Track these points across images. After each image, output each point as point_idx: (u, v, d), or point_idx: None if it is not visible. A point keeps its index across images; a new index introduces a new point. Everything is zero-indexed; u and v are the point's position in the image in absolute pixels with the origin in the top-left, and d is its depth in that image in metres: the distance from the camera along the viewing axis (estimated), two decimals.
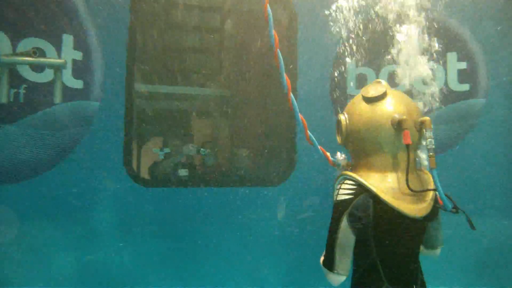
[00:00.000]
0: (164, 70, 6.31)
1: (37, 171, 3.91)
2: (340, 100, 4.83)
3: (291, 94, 2.38)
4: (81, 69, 4.08)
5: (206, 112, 6.63)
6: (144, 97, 5.73)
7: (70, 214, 4.04)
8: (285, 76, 2.33)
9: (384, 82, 2.32)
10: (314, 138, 2.44)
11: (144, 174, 4.89)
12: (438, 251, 2.41)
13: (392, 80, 4.76)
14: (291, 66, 4.71)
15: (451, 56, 4.74)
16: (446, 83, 4.71)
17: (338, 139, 2.36)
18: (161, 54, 6.25)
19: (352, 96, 4.85)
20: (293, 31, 4.84)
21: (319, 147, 2.44)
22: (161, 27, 6.02)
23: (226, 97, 6.45)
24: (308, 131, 2.42)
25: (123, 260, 4.32)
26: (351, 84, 4.74)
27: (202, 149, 4.78)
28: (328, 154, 2.45)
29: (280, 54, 2.31)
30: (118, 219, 4.28)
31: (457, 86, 4.69)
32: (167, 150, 4.81)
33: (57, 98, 3.40)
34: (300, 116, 2.41)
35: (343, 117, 2.29)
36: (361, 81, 4.87)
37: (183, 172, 4.92)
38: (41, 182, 3.92)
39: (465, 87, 4.68)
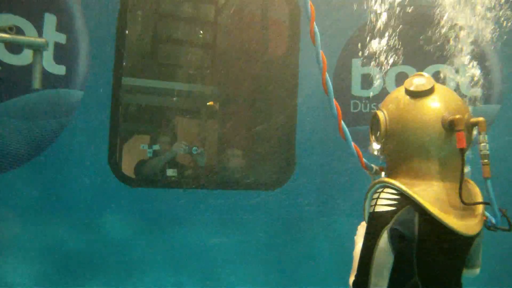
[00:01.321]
0: (153, 63, 5.91)
1: (10, 165, 3.46)
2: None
3: (327, 76, 2.01)
4: (64, 54, 3.69)
5: (198, 110, 6.23)
6: (132, 90, 5.30)
7: (45, 214, 3.61)
8: (321, 53, 1.96)
9: (427, 75, 1.97)
10: (348, 132, 2.07)
11: (130, 172, 4.47)
12: (477, 270, 2.08)
13: (400, 82, 4.54)
14: None
15: (463, 59, 4.46)
16: (457, 87, 4.43)
17: (373, 139, 2.00)
18: (151, 45, 5.84)
19: (356, 97, 4.57)
20: (295, 26, 4.52)
21: (352, 144, 2.07)
22: (152, 14, 5.62)
23: (218, 94, 6.07)
24: (342, 122, 2.05)
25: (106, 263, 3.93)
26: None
27: (194, 147, 4.37)
28: (361, 154, 2.09)
29: (316, 28, 1.94)
30: (99, 220, 3.88)
31: (468, 91, 4.41)
32: (156, 147, 4.40)
33: (36, 83, 2.96)
34: (335, 103, 2.03)
35: (381, 114, 1.93)
36: (366, 81, 4.57)
37: (171, 172, 4.52)
38: (14, 178, 3.48)
39: (477, 91, 4.41)
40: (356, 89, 4.60)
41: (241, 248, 4.24)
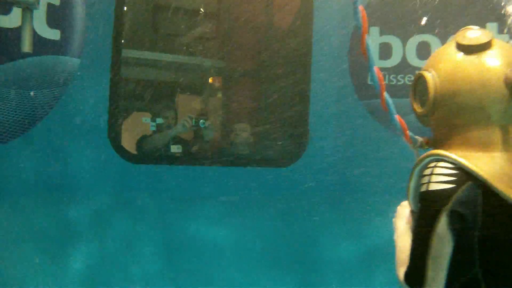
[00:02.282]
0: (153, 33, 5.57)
1: None
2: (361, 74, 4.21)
3: (367, 38, 1.70)
4: (58, 17, 3.39)
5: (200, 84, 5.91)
6: (134, 61, 4.99)
7: (38, 193, 3.34)
8: (360, 10, 1.65)
9: (477, 27, 1.66)
10: (391, 103, 1.78)
11: (133, 147, 4.19)
12: None
13: (421, 52, 4.23)
14: None
15: (491, 28, 4.13)
16: None
17: (418, 107, 1.69)
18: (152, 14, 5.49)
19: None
20: None
21: (396, 116, 1.78)
22: None
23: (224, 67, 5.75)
24: (385, 92, 1.76)
25: (103, 249, 3.66)
26: None
27: (202, 120, 4.04)
28: (405, 125, 1.79)
29: None
30: (98, 200, 3.61)
31: None
32: (160, 120, 4.08)
33: (26, 46, 2.67)
34: (376, 70, 1.74)
35: (429, 75, 1.62)
36: (385, 51, 4.25)
37: (175, 148, 4.22)
38: (5, 152, 3.19)
39: None
40: (374, 60, 4.28)
41: (249, 232, 3.97)
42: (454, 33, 1.67)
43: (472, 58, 1.56)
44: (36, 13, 3.02)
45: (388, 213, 1.94)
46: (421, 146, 1.77)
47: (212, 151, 4.51)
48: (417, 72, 1.71)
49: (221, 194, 3.93)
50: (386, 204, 2.10)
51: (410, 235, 1.69)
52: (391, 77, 4.25)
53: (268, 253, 3.91)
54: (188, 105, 5.79)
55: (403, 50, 4.25)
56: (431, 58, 1.71)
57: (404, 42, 4.24)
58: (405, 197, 1.72)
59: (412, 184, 1.64)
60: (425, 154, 1.59)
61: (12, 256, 3.35)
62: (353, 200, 3.90)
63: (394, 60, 4.26)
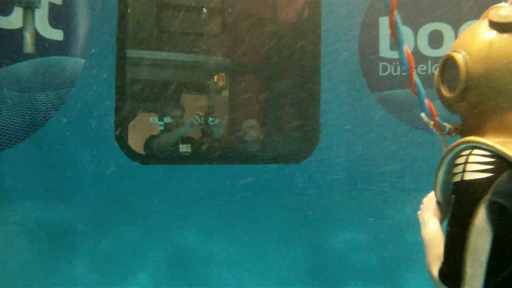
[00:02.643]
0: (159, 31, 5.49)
1: (3, 144, 3.12)
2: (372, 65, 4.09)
3: (396, 15, 1.60)
4: (60, 17, 3.31)
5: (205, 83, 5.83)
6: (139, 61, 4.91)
7: (44, 198, 3.27)
8: None
9: (508, 4, 1.54)
10: (421, 87, 1.66)
11: (141, 148, 4.11)
12: None
13: (433, 41, 4.12)
14: None
15: None
16: None
17: (446, 91, 1.57)
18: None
19: (385, 59, 4.15)
20: None
21: (425, 101, 1.66)
22: None
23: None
24: (414, 75, 1.65)
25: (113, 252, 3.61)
26: None
27: (210, 118, 3.95)
28: (435, 111, 1.67)
29: None
30: (106, 202, 3.56)
31: None
32: (167, 119, 3.99)
33: (28, 46, 2.59)
34: (406, 50, 1.63)
35: (460, 56, 1.50)
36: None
37: (184, 148, 4.14)
38: (9, 157, 3.12)
39: None
40: (385, 50, 4.17)
41: (262, 229, 3.88)
42: (466, 20, 1.58)
43: (508, 36, 1.45)
44: (38, 13, 2.94)
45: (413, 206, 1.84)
46: (449, 133, 1.66)
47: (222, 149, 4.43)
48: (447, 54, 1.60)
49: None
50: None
51: (439, 229, 1.58)
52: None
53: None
54: (195, 103, 5.72)
55: (415, 39, 4.15)
56: (460, 38, 1.60)
57: (415, 31, 4.14)
58: (432, 189, 1.62)
59: (441, 174, 1.53)
60: (457, 141, 1.47)
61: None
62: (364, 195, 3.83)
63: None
